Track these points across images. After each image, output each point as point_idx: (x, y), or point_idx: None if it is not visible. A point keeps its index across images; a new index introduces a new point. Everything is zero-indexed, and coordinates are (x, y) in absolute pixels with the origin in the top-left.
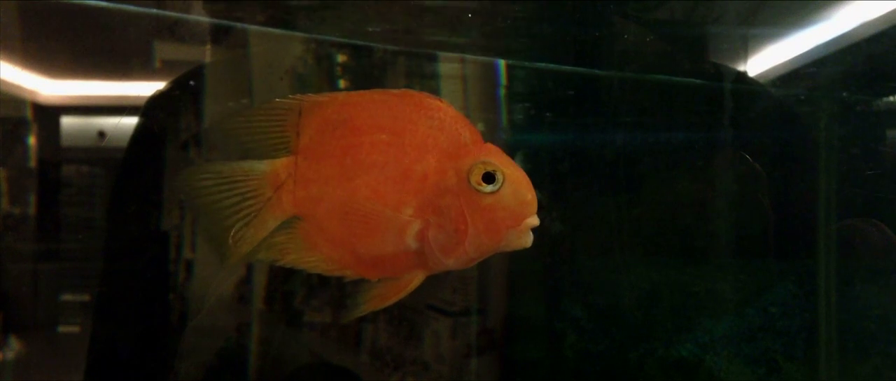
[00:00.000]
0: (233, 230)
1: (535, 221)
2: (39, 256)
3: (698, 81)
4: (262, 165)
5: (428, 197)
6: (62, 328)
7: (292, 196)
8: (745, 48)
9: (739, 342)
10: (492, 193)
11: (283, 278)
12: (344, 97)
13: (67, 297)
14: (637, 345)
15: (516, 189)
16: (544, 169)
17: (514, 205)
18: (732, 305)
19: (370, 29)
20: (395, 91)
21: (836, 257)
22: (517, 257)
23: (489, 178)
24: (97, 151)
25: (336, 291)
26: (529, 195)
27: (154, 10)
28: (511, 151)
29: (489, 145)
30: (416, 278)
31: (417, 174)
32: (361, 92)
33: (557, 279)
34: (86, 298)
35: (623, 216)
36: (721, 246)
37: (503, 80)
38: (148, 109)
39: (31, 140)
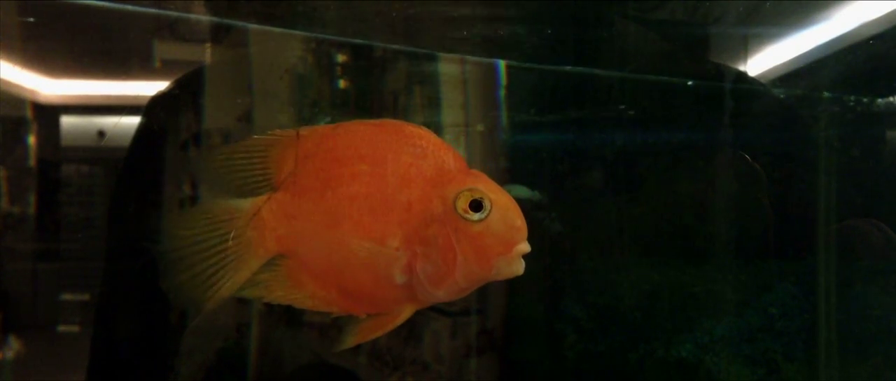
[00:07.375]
0: (214, 275)
1: (525, 247)
2: (39, 255)
3: (699, 81)
4: (245, 204)
5: (414, 227)
6: (62, 328)
7: (274, 234)
8: (745, 48)
9: (739, 343)
10: (480, 220)
11: None
12: (323, 129)
13: (67, 297)
14: (637, 345)
15: (505, 215)
16: (544, 169)
17: (504, 231)
18: (732, 305)
19: (370, 28)
20: (374, 121)
21: (836, 257)
22: None
23: (476, 205)
24: (97, 151)
25: None
26: (519, 221)
27: (154, 10)
28: (511, 152)
29: (475, 172)
30: (405, 312)
31: (401, 204)
32: (340, 124)
33: (557, 279)
34: (86, 297)
35: (623, 216)
36: (721, 246)
37: (503, 80)
38: (149, 109)
39: (31, 140)
